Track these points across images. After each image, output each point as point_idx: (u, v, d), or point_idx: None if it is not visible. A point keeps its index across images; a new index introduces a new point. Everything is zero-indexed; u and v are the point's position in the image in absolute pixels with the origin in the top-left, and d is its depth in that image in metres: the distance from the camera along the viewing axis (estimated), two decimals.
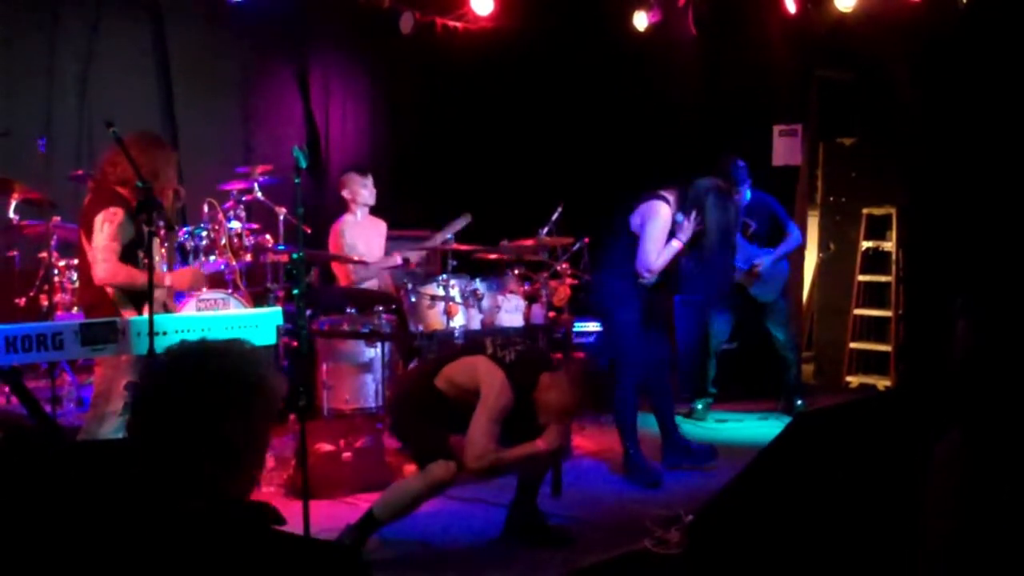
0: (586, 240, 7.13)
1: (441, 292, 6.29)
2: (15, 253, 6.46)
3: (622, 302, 5.54)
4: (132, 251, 4.56)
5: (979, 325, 2.12)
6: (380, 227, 7.23)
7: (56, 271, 6.11)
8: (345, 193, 7.05)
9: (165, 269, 5.13)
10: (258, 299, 6.63)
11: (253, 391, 1.78)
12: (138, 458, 1.75)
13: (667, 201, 5.49)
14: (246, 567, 1.65)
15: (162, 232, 4.90)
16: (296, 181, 4.35)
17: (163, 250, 5.15)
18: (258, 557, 1.66)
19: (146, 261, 4.54)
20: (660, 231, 5.45)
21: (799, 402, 7.09)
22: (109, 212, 4.46)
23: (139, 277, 4.46)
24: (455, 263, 6.69)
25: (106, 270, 4.44)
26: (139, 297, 4.47)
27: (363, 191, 7.02)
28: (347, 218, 7.06)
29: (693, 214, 5.50)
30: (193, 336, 4.27)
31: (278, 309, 5.12)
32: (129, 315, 4.41)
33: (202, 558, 1.65)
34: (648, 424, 5.77)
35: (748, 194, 6.79)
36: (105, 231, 4.44)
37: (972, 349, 2.12)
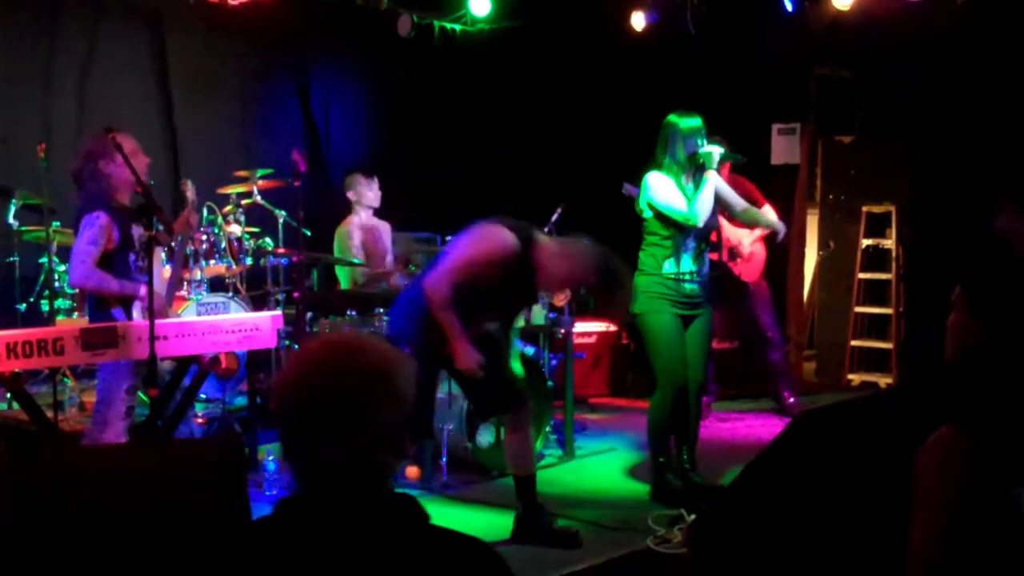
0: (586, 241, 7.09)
1: None
2: (15, 259, 6.46)
3: None
4: (116, 255, 4.44)
5: (978, 319, 2.11)
6: (385, 229, 7.17)
7: (56, 277, 6.11)
8: (350, 195, 7.00)
9: (166, 274, 5.13)
10: (258, 302, 6.63)
11: (398, 377, 1.80)
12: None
13: None
14: (412, 558, 1.70)
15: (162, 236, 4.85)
16: (296, 185, 4.36)
17: (163, 254, 5.14)
18: (421, 548, 1.72)
19: (140, 264, 4.52)
20: None
21: (791, 400, 7.02)
22: (91, 216, 4.38)
23: (111, 283, 4.37)
24: None
25: (79, 274, 4.35)
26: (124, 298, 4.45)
27: (368, 193, 6.97)
28: (353, 219, 7.00)
29: None
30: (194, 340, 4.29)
31: (279, 312, 5.11)
32: (115, 311, 4.38)
33: (379, 551, 1.70)
34: None
35: None
36: (85, 235, 4.36)
37: (971, 344, 2.11)
